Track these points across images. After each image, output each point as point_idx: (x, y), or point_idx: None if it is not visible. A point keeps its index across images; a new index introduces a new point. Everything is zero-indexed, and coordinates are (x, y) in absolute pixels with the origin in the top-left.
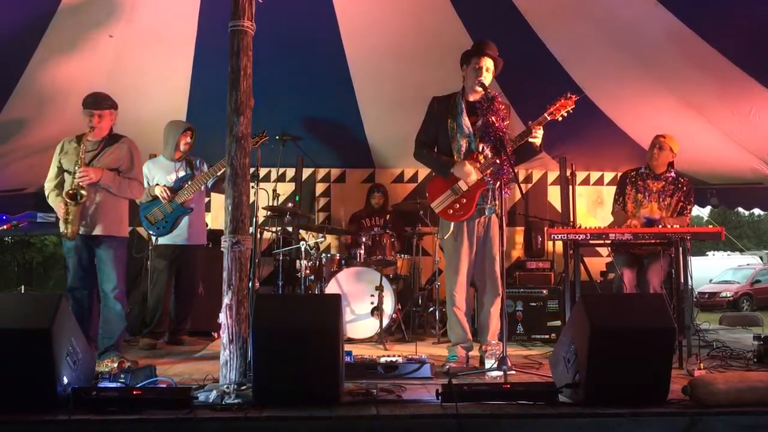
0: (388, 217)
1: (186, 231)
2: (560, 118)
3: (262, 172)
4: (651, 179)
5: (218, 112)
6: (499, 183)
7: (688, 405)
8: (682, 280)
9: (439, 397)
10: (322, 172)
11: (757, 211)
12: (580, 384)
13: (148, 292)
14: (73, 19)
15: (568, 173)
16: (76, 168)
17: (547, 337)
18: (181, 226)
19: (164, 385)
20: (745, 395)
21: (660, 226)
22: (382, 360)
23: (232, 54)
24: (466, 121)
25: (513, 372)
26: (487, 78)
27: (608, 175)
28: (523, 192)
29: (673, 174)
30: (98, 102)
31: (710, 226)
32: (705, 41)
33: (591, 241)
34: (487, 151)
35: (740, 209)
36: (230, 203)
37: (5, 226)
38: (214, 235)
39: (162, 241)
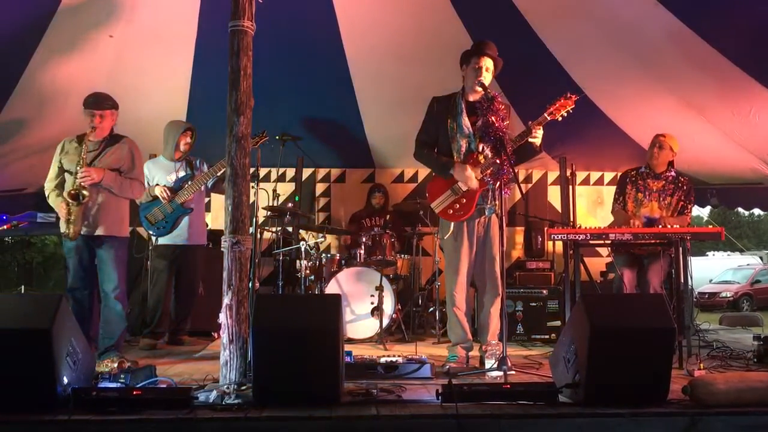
0: (388, 217)
1: (186, 231)
2: (560, 118)
3: (262, 172)
4: (651, 178)
5: (218, 112)
6: (499, 183)
7: (688, 405)
8: (682, 280)
9: (439, 398)
10: (322, 172)
11: (757, 211)
12: (580, 384)
13: (148, 293)
14: (73, 19)
15: (568, 173)
16: (78, 168)
17: (547, 337)
18: (181, 227)
19: (164, 386)
20: (745, 395)
21: (660, 226)
22: (382, 360)
23: (232, 54)
24: (466, 121)
25: (513, 372)
26: (487, 78)
27: (608, 175)
28: (523, 192)
29: (673, 173)
30: (99, 102)
31: (710, 226)
32: (705, 41)
33: (591, 241)
34: (487, 151)
35: (740, 209)
36: (230, 203)
37: (5, 226)
38: (214, 235)
39: (162, 241)
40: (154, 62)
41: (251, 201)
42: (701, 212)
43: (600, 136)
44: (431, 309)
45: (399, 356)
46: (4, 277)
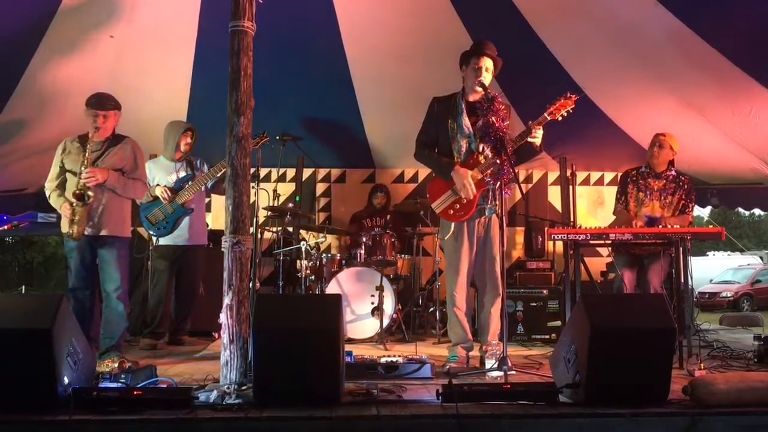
0: (388, 217)
1: (187, 231)
2: (560, 118)
3: (263, 172)
4: (652, 178)
5: (218, 113)
6: (499, 183)
7: (689, 405)
8: (683, 280)
9: (440, 398)
10: (322, 173)
11: (757, 211)
12: (580, 384)
13: (149, 293)
14: (73, 20)
15: (569, 173)
16: (82, 168)
17: (547, 337)
18: (181, 227)
19: (165, 386)
20: (745, 395)
21: (661, 226)
22: (383, 360)
23: (232, 54)
24: (466, 122)
25: (513, 372)
26: (487, 78)
27: (608, 175)
28: (524, 192)
29: (673, 172)
30: (103, 102)
31: (710, 226)
32: (705, 41)
33: (591, 242)
34: (488, 152)
35: (740, 209)
36: (231, 203)
37: (6, 227)
38: (215, 236)
39: (163, 241)
40: (154, 62)
41: (252, 201)
42: (702, 212)
43: (600, 136)
44: (431, 309)
45: (399, 356)
46: (4, 277)
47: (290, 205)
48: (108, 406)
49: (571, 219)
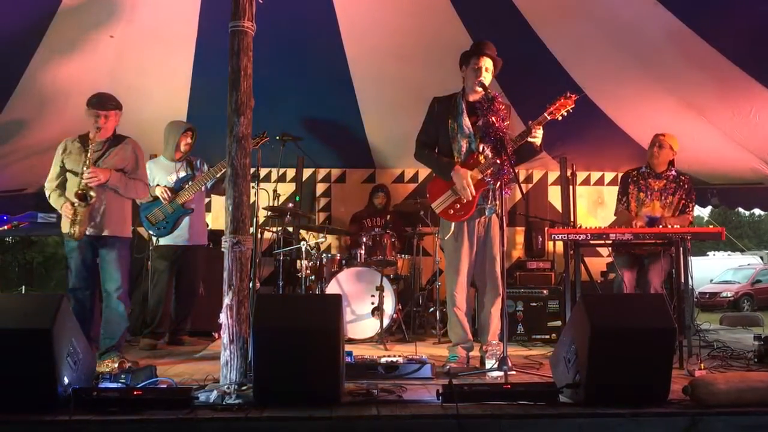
0: (388, 217)
1: (187, 231)
2: (560, 118)
3: (263, 172)
4: (652, 178)
5: (218, 113)
6: (499, 183)
7: (689, 405)
8: (683, 280)
9: (440, 398)
10: (322, 173)
11: (757, 211)
12: (580, 384)
13: (149, 293)
14: (73, 20)
15: (569, 173)
16: (85, 169)
17: (547, 337)
18: (181, 227)
19: (165, 386)
20: (745, 395)
21: (661, 226)
22: (383, 360)
23: (232, 54)
24: (466, 122)
25: (513, 372)
26: (487, 78)
27: (609, 175)
28: (524, 192)
29: (673, 172)
30: (104, 102)
31: (711, 226)
32: (705, 41)
33: (591, 242)
34: (488, 152)
35: (740, 209)
36: (231, 203)
37: (6, 227)
38: (215, 236)
39: (163, 241)
40: (154, 62)
41: (252, 201)
42: (702, 212)
43: (600, 136)
44: (431, 309)
45: (399, 356)
46: (4, 277)
47: (290, 205)
48: (108, 406)
49: (572, 219)
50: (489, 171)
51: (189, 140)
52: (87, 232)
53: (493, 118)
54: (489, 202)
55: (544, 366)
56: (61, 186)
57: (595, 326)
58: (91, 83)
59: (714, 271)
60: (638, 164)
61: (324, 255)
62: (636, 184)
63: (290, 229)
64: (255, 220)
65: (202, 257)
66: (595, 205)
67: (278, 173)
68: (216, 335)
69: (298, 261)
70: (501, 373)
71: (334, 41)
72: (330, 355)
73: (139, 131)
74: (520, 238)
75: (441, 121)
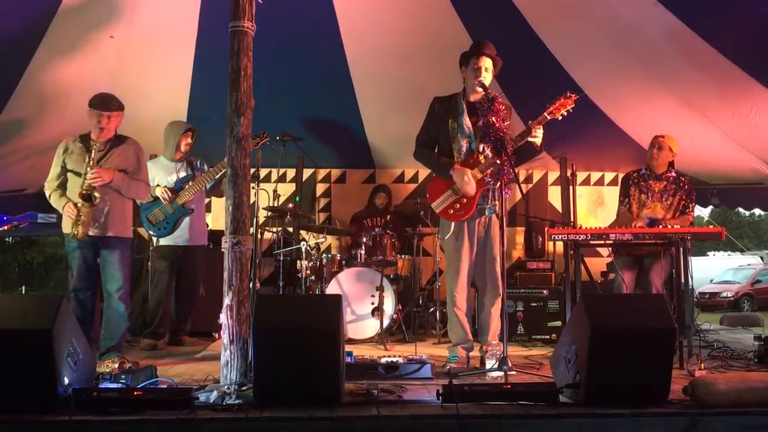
0: (388, 217)
1: (187, 232)
2: (560, 118)
3: (263, 172)
4: (652, 179)
5: (218, 113)
6: (499, 183)
7: (689, 405)
8: (683, 281)
9: (440, 398)
10: (322, 173)
11: (757, 211)
12: (580, 384)
13: (149, 293)
14: (73, 20)
15: (569, 173)
16: (88, 169)
17: (547, 337)
18: (182, 227)
19: (165, 386)
20: (745, 395)
21: (662, 227)
22: (383, 360)
23: (232, 54)
24: (466, 122)
25: (513, 372)
26: (487, 78)
27: (609, 176)
28: (524, 192)
29: (673, 174)
30: (106, 103)
31: (711, 227)
32: (705, 41)
33: (591, 242)
34: (488, 152)
35: (740, 209)
36: (231, 204)
37: (6, 227)
38: (215, 236)
39: (163, 242)
40: (154, 63)
41: (252, 201)
42: (702, 212)
43: (600, 136)
44: (432, 309)
45: (399, 356)
46: (4, 278)
47: (290, 205)
48: (108, 406)
49: (572, 219)
50: (489, 171)
51: (189, 140)
52: (90, 233)
53: (494, 119)
54: (489, 202)
55: (544, 366)
56: (62, 186)
57: (595, 326)
58: (92, 83)
59: (714, 271)
60: (638, 164)
61: (324, 255)
62: (637, 185)
63: (290, 229)
64: (255, 220)
65: (202, 257)
66: (595, 206)
67: (278, 173)
68: (216, 335)
69: (298, 261)
70: (501, 374)
71: (334, 41)
72: (330, 355)
73: (139, 131)
74: (520, 239)
75: (441, 121)
